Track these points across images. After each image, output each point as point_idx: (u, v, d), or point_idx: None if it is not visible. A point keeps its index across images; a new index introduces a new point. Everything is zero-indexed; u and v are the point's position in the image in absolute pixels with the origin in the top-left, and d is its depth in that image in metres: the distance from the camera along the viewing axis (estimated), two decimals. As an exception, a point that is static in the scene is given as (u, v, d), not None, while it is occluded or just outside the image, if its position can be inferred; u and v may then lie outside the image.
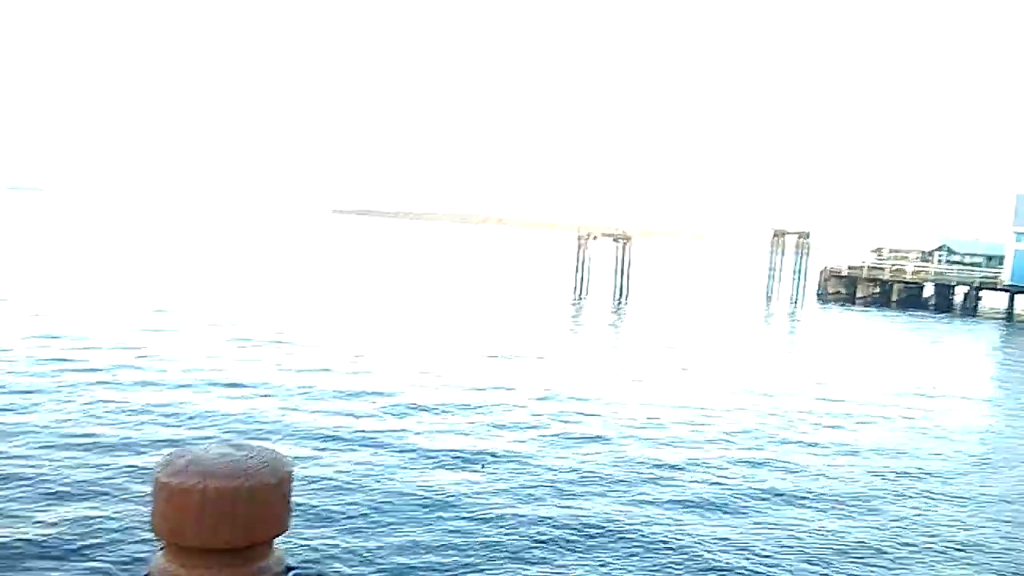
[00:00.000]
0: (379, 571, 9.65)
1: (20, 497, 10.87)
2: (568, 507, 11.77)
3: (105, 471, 11.94)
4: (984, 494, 14.00)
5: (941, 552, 11.21)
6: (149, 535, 9.21)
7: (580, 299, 46.94)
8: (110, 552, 9.52)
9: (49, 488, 11.29)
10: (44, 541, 9.70)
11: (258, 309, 31.56)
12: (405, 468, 13.10)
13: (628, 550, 10.42)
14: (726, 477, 13.75)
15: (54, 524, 10.11)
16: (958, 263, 73.89)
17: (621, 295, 49.80)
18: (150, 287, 35.88)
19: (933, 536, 11.77)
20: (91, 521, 10.30)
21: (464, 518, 11.28)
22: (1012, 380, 29.87)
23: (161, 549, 1.28)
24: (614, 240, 51.80)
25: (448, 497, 11.95)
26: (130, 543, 9.70)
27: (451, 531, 10.86)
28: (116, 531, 10.03)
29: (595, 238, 52.10)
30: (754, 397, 21.07)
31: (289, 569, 1.36)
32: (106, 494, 11.09)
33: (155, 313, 28.02)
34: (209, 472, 1.22)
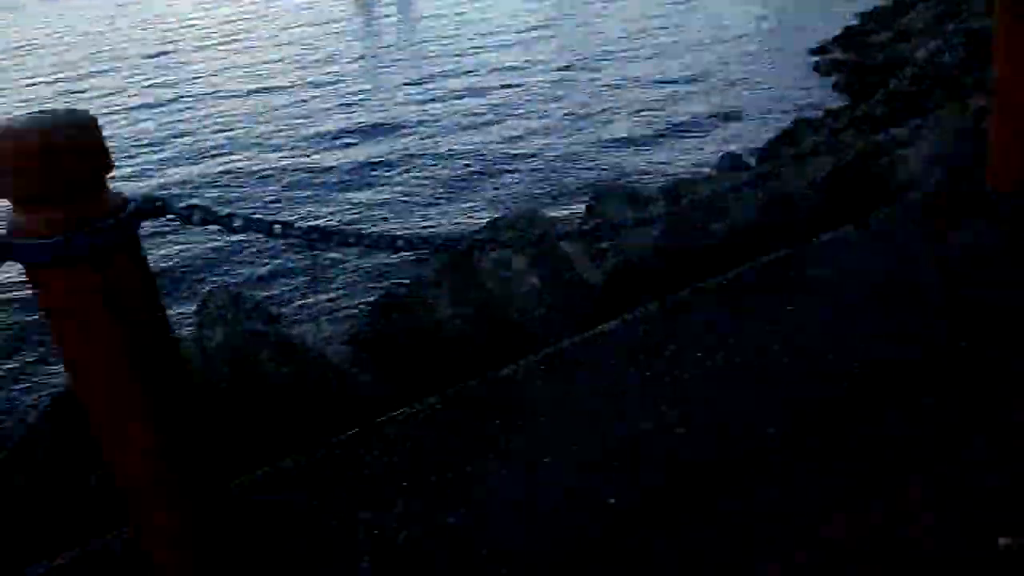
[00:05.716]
0: (225, 197, 8.97)
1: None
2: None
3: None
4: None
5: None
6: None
7: None
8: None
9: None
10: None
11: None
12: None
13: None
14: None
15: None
16: None
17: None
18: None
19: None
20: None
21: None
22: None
23: (11, 209, 1.39)
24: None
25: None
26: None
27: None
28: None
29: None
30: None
31: (128, 201, 1.43)
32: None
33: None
34: (23, 130, 1.32)
